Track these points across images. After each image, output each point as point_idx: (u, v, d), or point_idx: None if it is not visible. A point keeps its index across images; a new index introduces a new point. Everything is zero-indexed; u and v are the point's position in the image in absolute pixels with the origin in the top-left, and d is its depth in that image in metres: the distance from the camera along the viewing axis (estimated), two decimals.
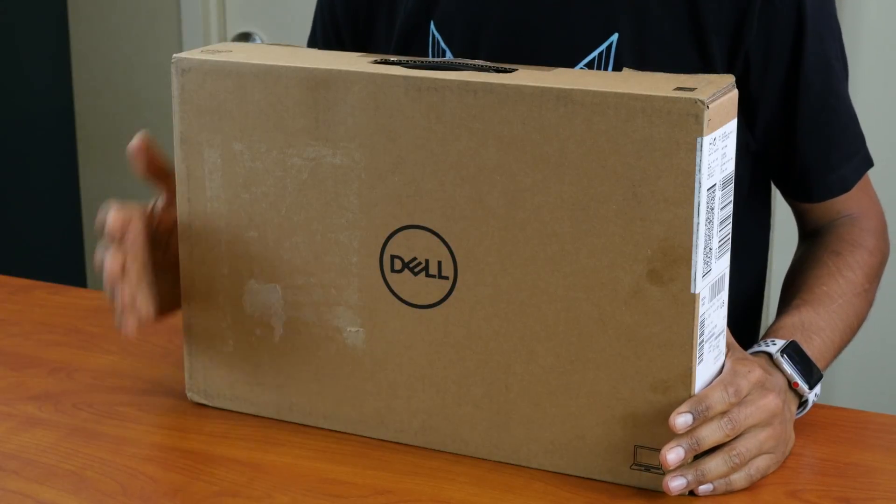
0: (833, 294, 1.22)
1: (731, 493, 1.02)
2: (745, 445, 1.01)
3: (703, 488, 1.00)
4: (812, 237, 1.33)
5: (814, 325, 1.18)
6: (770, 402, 1.03)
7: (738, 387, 1.01)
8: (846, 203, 1.31)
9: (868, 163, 1.32)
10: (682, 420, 0.98)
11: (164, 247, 1.15)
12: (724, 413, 1.00)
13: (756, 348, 1.11)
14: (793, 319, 1.17)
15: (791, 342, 1.12)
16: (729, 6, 1.21)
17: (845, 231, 1.30)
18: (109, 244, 1.09)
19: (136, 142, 1.12)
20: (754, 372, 1.03)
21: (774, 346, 1.11)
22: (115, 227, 1.08)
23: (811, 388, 1.10)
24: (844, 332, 1.22)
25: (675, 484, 0.99)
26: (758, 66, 1.24)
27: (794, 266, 1.31)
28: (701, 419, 0.98)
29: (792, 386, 1.09)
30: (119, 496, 1.03)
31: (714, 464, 1.00)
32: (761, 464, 1.03)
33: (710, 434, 0.99)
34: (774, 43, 1.23)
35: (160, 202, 1.15)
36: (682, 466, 0.99)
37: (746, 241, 1.30)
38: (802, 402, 1.11)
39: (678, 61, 1.22)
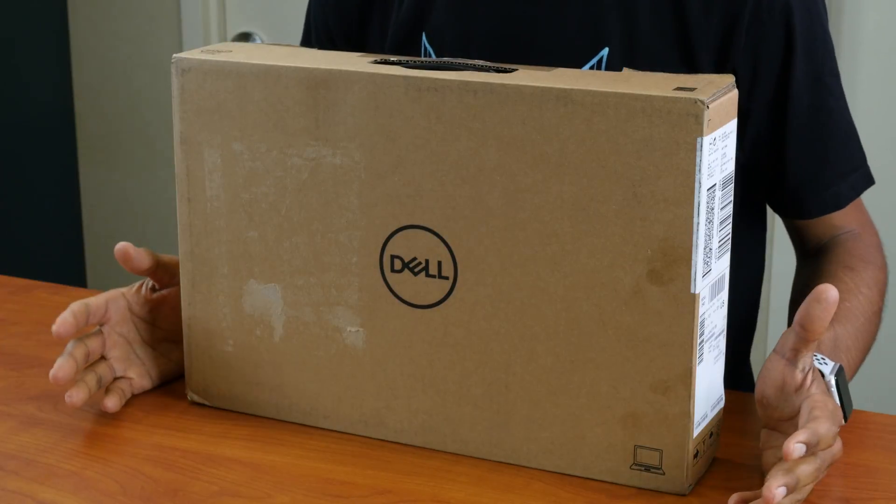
0: (856, 311, 1.20)
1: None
2: (809, 488, 0.99)
3: None
4: (816, 254, 1.31)
5: (844, 343, 1.15)
6: (839, 448, 1.01)
7: (836, 426, 0.98)
8: (845, 219, 1.30)
9: (867, 180, 1.30)
10: (798, 448, 0.94)
11: (150, 323, 1.21)
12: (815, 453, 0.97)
13: None
14: (827, 335, 1.13)
15: (839, 366, 1.07)
16: (716, 22, 1.21)
17: (852, 246, 1.28)
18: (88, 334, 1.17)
19: (117, 252, 1.18)
20: (838, 414, 1.00)
21: (826, 367, 1.06)
22: (97, 315, 1.16)
23: (846, 419, 1.07)
24: (863, 352, 1.20)
25: None
26: (745, 80, 1.23)
27: (805, 282, 1.28)
28: (809, 452, 0.95)
29: None
30: (119, 496, 1.03)
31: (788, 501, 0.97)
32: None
33: (807, 477, 0.96)
34: (762, 59, 1.22)
35: (147, 283, 1.22)
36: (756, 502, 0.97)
37: (741, 256, 1.28)
38: None
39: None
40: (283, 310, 1.12)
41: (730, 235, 1.03)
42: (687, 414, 1.00)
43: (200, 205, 1.13)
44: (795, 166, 1.26)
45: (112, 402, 1.15)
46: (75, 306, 1.15)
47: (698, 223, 0.96)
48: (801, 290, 1.28)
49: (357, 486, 1.04)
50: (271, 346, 1.13)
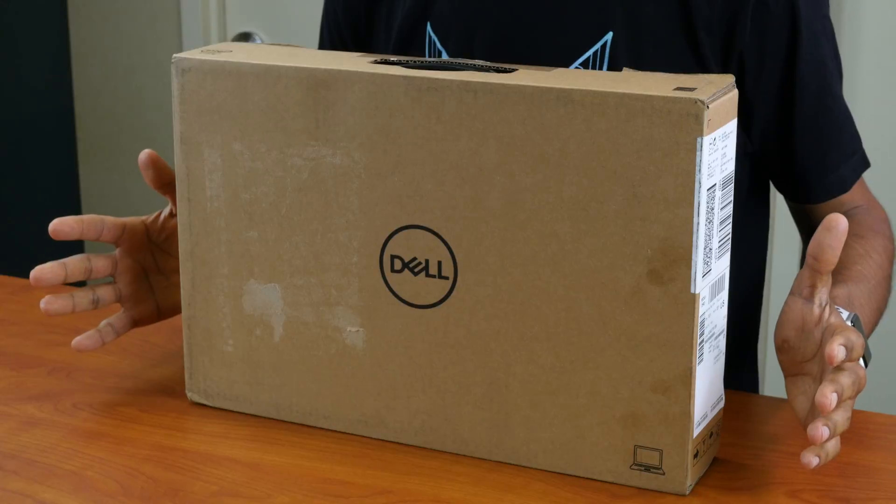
0: (868, 275, 1.21)
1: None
2: (843, 417, 0.98)
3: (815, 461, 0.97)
4: None
5: (858, 300, 1.16)
6: (863, 374, 1.00)
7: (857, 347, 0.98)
8: (852, 196, 1.31)
9: (865, 163, 1.32)
10: (840, 350, 0.94)
11: (166, 252, 1.22)
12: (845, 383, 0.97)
13: None
14: (842, 291, 1.14)
15: (856, 316, 1.09)
16: (721, 6, 1.21)
17: (861, 218, 1.29)
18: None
19: (142, 157, 1.18)
20: (860, 339, 0.99)
21: (843, 314, 1.07)
22: (110, 238, 1.17)
23: (866, 365, 1.07)
24: (875, 314, 1.21)
25: (811, 460, 0.96)
26: (752, 66, 1.24)
27: None
28: (847, 358, 0.96)
29: None
30: (119, 496, 1.03)
31: (831, 444, 0.98)
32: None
33: (849, 387, 0.96)
34: (769, 44, 1.23)
35: (166, 210, 1.23)
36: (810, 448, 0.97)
37: (745, 243, 1.30)
38: None
39: (672, 61, 1.22)
40: (283, 310, 1.12)
41: (730, 235, 1.03)
42: (687, 414, 1.00)
43: (200, 205, 1.13)
44: (802, 150, 1.27)
45: (85, 342, 1.16)
46: (87, 216, 1.14)
47: (698, 223, 0.96)
48: None
49: (357, 486, 1.04)
50: (271, 346, 1.13)
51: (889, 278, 1.26)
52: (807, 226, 1.37)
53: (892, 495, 1.03)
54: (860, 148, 1.32)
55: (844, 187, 1.30)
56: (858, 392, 1.00)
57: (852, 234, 1.26)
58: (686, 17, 1.22)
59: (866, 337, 1.17)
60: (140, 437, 1.13)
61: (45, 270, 1.12)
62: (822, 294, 1.01)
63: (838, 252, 0.98)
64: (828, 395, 0.94)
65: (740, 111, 1.24)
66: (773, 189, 1.38)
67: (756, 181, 1.33)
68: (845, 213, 1.31)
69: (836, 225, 0.97)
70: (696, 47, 1.22)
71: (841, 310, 1.08)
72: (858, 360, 0.99)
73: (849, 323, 1.06)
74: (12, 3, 2.86)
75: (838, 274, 1.19)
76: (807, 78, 1.24)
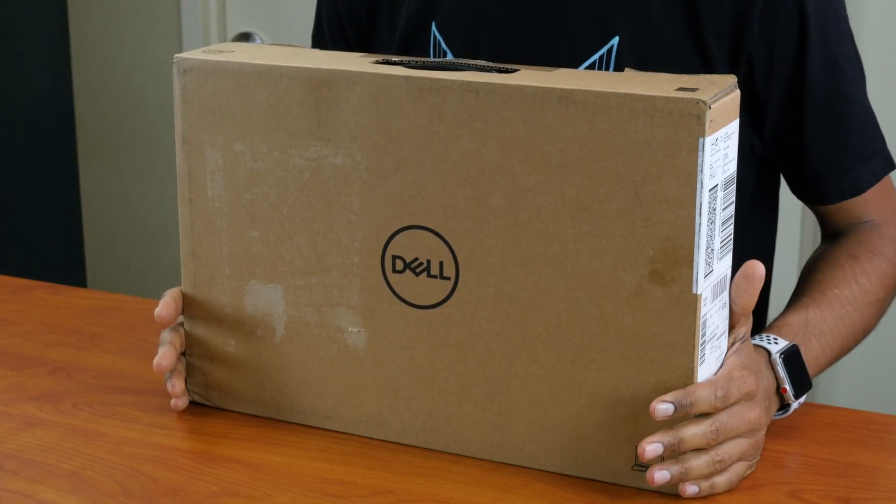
0: (843, 299, 1.21)
1: (713, 495, 1.02)
2: (728, 451, 1.01)
3: (690, 490, 1.00)
4: (832, 238, 1.32)
5: (817, 328, 1.17)
6: (755, 416, 1.03)
7: (728, 393, 1.00)
8: (866, 208, 1.30)
9: (888, 165, 1.30)
10: (663, 407, 0.98)
11: None
12: (707, 416, 1.00)
13: (757, 341, 1.11)
14: (798, 318, 1.17)
15: (792, 346, 1.11)
16: (728, 10, 1.21)
17: (865, 236, 1.28)
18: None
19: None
20: (748, 382, 1.02)
21: (776, 346, 1.11)
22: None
23: (797, 397, 1.11)
24: (846, 340, 1.21)
25: (659, 476, 1.00)
26: (762, 68, 1.23)
27: (811, 261, 1.30)
28: (681, 413, 0.98)
29: (780, 391, 1.10)
30: (119, 496, 1.03)
31: (698, 463, 1.00)
32: (740, 469, 1.03)
33: (694, 438, 0.99)
34: (777, 46, 1.22)
35: None
36: (667, 461, 1.00)
37: (751, 244, 1.29)
38: (784, 406, 1.12)
39: (679, 64, 1.22)
40: (284, 310, 1.12)
41: (731, 236, 1.03)
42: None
43: (202, 205, 1.13)
44: (814, 152, 1.26)
45: (183, 401, 1.17)
46: (174, 292, 1.15)
47: (700, 224, 0.96)
48: (808, 267, 1.29)
49: (357, 486, 1.04)
50: (273, 346, 1.13)
51: (877, 303, 1.25)
52: (822, 227, 1.36)
53: (892, 495, 1.03)
54: (882, 150, 1.29)
55: (859, 189, 1.28)
56: (745, 430, 1.02)
57: (848, 253, 1.26)
58: (693, 20, 1.22)
59: (826, 362, 1.19)
60: (140, 437, 1.13)
61: (166, 357, 1.14)
62: (738, 332, 1.06)
63: (754, 298, 1.04)
64: (644, 445, 0.99)
65: (752, 112, 1.24)
66: (780, 191, 1.37)
67: (762, 184, 1.32)
68: (851, 228, 1.30)
69: (752, 272, 1.03)
70: (704, 51, 1.22)
71: (777, 342, 1.11)
72: (707, 411, 1.00)
73: (778, 357, 1.10)
74: (12, 3, 2.86)
75: (807, 295, 1.21)
76: (817, 79, 1.24)
